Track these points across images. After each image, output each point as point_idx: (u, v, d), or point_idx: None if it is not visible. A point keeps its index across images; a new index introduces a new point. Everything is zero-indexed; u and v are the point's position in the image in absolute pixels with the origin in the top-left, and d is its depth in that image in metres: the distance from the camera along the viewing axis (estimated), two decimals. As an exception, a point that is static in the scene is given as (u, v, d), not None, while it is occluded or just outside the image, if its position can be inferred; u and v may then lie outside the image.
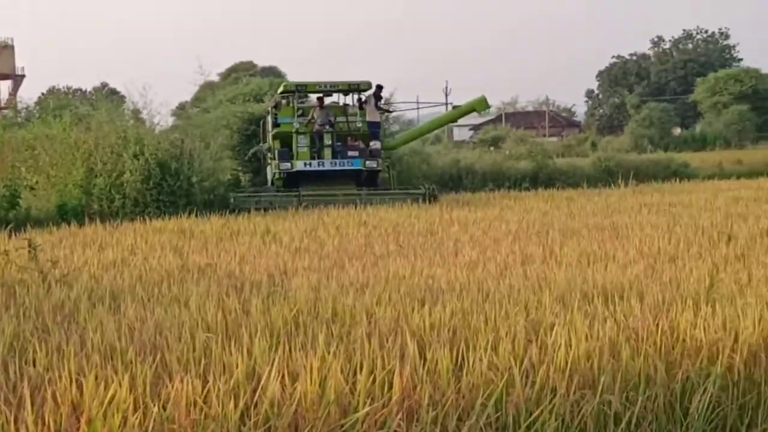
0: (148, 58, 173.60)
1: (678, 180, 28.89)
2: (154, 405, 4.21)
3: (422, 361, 4.89)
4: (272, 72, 66.19)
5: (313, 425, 4.23)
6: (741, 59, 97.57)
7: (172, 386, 4.35)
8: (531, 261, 9.71)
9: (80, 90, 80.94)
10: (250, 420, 4.25)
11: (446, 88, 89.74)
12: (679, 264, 9.00)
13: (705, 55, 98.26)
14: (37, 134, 24.05)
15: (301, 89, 24.46)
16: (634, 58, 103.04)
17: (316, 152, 23.20)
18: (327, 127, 23.32)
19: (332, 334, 5.76)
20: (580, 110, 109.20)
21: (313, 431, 4.22)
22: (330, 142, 23.22)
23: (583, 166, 34.31)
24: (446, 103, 71.83)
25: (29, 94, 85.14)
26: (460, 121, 32.38)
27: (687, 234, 11.90)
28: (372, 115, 24.23)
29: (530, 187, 29.08)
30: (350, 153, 23.34)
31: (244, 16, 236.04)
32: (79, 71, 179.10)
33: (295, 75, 79.21)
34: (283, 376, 4.54)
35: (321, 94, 24.33)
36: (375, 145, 23.68)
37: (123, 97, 39.53)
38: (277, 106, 24.95)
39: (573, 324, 5.58)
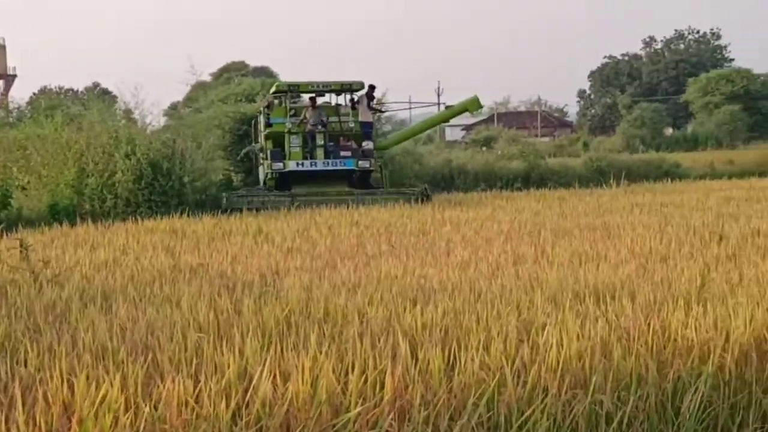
0: (140, 58, 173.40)
1: (669, 180, 28.95)
2: (146, 405, 4.21)
3: (414, 361, 4.89)
4: (264, 72, 66.20)
5: (305, 425, 4.23)
6: (732, 59, 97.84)
7: (164, 386, 4.34)
8: (523, 261, 9.72)
9: (72, 90, 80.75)
10: (241, 420, 4.24)
11: (438, 88, 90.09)
12: (670, 264, 9.01)
13: (697, 56, 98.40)
14: (29, 134, 24.00)
15: (294, 89, 24.42)
16: (626, 58, 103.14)
17: (308, 152, 23.18)
18: (319, 127, 23.31)
19: (324, 334, 5.76)
20: (572, 110, 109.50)
21: (305, 431, 4.22)
22: (322, 142, 23.22)
23: (574, 166, 34.36)
24: (438, 103, 71.85)
25: (21, 94, 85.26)
26: (453, 121, 32.34)
27: (678, 234, 11.92)
28: (364, 115, 24.21)
29: (522, 187, 29.14)
30: (343, 153, 23.33)
31: (236, 16, 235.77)
32: (70, 71, 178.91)
33: (287, 75, 79.11)
34: (274, 376, 4.54)
35: (313, 94, 24.30)
36: (367, 145, 23.66)
37: (115, 97, 39.43)
38: (269, 106, 24.91)
39: (565, 324, 5.59)
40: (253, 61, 77.26)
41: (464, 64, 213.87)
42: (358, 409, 4.31)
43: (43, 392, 4.32)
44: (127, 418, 4.09)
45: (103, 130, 22.09)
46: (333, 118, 24.24)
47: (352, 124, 24.20)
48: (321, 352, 4.93)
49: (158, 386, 4.45)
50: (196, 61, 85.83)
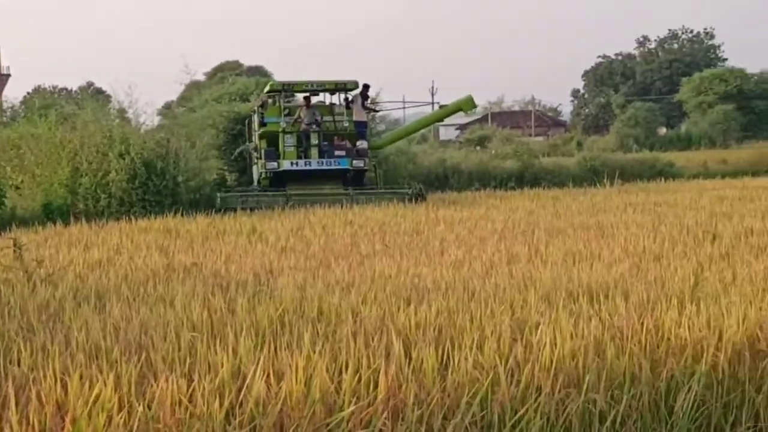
0: (134, 58, 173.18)
1: (663, 179, 29.00)
2: (139, 404, 4.20)
3: (408, 360, 4.89)
4: (258, 71, 66.13)
5: (299, 424, 4.23)
6: (726, 59, 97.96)
7: (157, 385, 4.34)
8: (516, 260, 9.72)
9: (66, 89, 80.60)
10: (235, 419, 4.24)
11: (432, 87, 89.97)
12: (664, 263, 9.02)
13: (690, 55, 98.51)
14: (23, 133, 23.97)
15: (288, 88, 24.42)
16: (620, 57, 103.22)
17: (302, 152, 23.18)
18: (314, 126, 23.31)
19: (318, 334, 5.75)
20: (566, 110, 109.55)
21: (299, 430, 4.22)
22: (317, 142, 23.22)
23: (568, 166, 34.42)
24: (432, 103, 71.97)
25: (14, 93, 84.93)
26: (447, 121, 32.44)
27: (672, 233, 11.94)
28: (359, 115, 24.22)
29: (516, 186, 29.19)
30: (337, 152, 23.32)
31: (230, 15, 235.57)
32: (64, 71, 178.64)
33: (281, 74, 79.14)
34: (268, 375, 4.54)
35: (308, 94, 24.29)
36: (362, 144, 23.66)
37: (108, 96, 39.26)
38: (263, 106, 24.90)
39: (558, 323, 5.59)
40: (248, 61, 77.30)
41: (458, 63, 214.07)
42: (352, 408, 4.31)
43: (37, 392, 4.31)
44: (121, 418, 4.09)
45: (96, 129, 22.08)
46: (327, 118, 24.25)
47: (346, 124, 24.21)
48: (315, 352, 4.93)
49: (152, 385, 4.44)
50: (190, 61, 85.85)
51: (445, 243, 11.76)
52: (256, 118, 24.99)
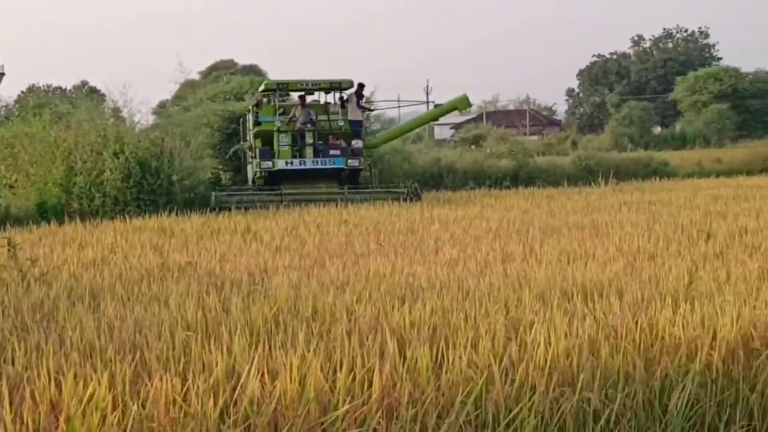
0: (129, 57, 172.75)
1: (658, 178, 29.05)
2: (134, 403, 4.20)
3: (402, 359, 4.89)
4: (253, 70, 66.11)
5: (293, 423, 4.22)
6: (720, 58, 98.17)
7: (152, 385, 4.33)
8: (511, 259, 9.73)
9: (60, 88, 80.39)
10: (229, 418, 4.24)
11: (427, 86, 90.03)
12: (658, 262, 9.04)
13: (685, 54, 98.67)
14: (17, 132, 23.92)
15: (283, 87, 24.40)
16: (615, 57, 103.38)
17: (297, 151, 23.16)
18: (308, 125, 23.28)
19: (312, 333, 5.75)
20: (561, 109, 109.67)
21: (293, 429, 4.22)
22: (311, 141, 23.19)
23: (563, 165, 34.46)
24: (427, 102, 71.88)
25: (8, 92, 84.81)
26: (442, 120, 32.46)
27: (666, 232, 11.96)
28: (354, 114, 24.22)
29: (511, 185, 29.22)
30: (332, 152, 23.31)
31: (226, 14, 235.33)
32: (59, 69, 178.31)
33: (276, 73, 79.06)
34: (262, 375, 4.54)
35: (302, 93, 24.28)
36: (357, 143, 23.65)
37: (103, 95, 39.28)
38: (258, 105, 24.88)
39: (552, 322, 5.59)
40: (242, 60, 77.26)
41: (453, 62, 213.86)
42: (346, 407, 4.31)
43: (31, 391, 4.31)
44: (115, 417, 4.08)
45: (91, 128, 22.06)
46: (322, 117, 24.22)
47: (341, 123, 24.17)
48: (309, 351, 4.92)
49: (146, 385, 4.44)
50: (184, 60, 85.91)
51: (440, 242, 11.76)
52: (250, 117, 24.99)
